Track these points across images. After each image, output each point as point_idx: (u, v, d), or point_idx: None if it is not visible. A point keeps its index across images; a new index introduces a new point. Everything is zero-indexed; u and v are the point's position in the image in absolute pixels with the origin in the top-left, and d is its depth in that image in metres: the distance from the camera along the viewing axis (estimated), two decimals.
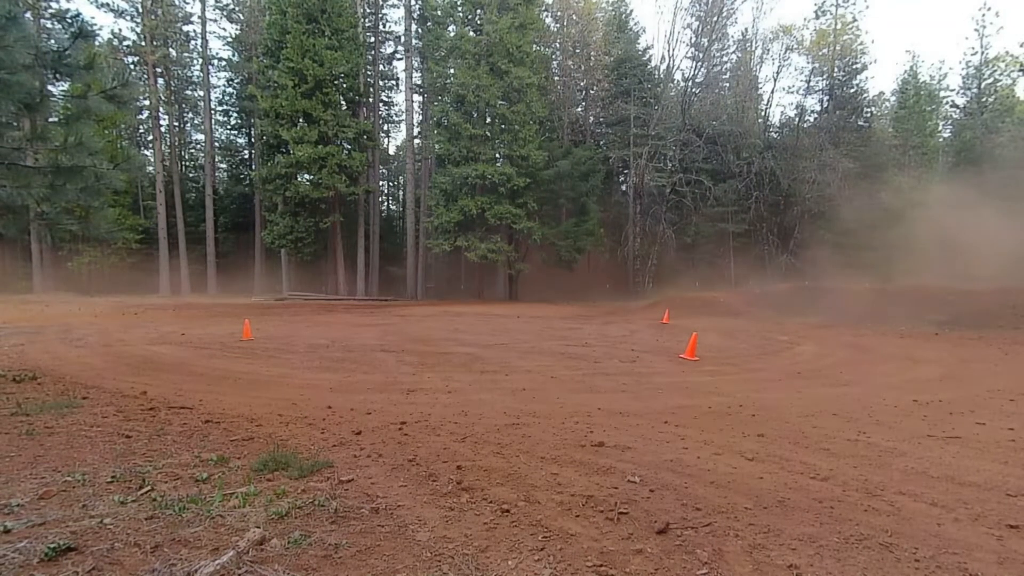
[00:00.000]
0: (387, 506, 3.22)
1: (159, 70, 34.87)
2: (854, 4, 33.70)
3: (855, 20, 33.99)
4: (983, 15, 35.20)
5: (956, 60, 67.51)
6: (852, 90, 34.40)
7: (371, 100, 36.91)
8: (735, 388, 7.42)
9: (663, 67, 36.44)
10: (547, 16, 36.70)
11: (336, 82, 30.27)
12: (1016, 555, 2.74)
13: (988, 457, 4.45)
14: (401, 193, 44.91)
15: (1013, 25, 41.53)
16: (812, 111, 35.91)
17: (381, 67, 39.42)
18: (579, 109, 39.33)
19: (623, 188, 38.55)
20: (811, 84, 35.27)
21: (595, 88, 38.18)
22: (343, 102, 31.18)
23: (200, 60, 36.70)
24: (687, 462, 4.19)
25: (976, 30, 35.87)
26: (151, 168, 34.76)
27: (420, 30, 34.98)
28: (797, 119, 35.81)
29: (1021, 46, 34.23)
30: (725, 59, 39.36)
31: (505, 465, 4.03)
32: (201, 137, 40.09)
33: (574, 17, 37.97)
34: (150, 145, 36.84)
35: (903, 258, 24.53)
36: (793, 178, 32.04)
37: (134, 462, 3.95)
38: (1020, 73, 33.69)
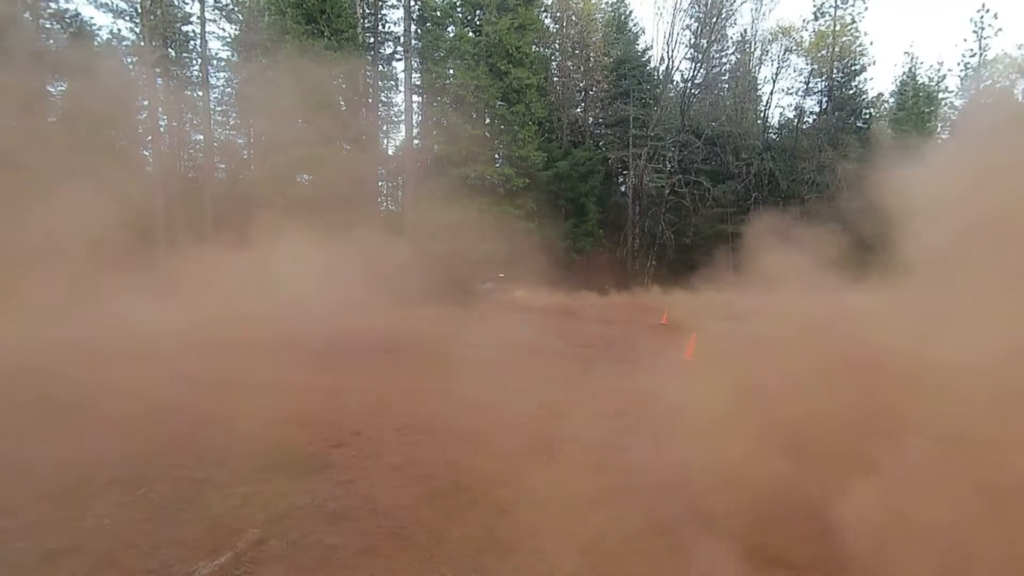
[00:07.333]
0: (386, 506, 3.22)
1: (158, 70, 34.84)
2: (853, 6, 33.71)
3: (854, 22, 34.00)
4: (981, 16, 35.21)
5: (955, 62, 67.49)
6: (851, 91, 34.43)
7: (370, 101, 36.89)
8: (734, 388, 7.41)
9: (662, 68, 36.42)
10: (546, 17, 36.66)
11: (335, 83, 30.25)
12: None
13: None
14: (400, 193, 44.80)
15: (1012, 27, 41.49)
16: (811, 112, 35.90)
17: (380, 68, 39.37)
18: (578, 110, 39.30)
19: (622, 189, 38.53)
20: (810, 85, 35.30)
21: (594, 89, 38.16)
22: (342, 103, 31.17)
23: (199, 60, 36.67)
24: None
25: (975, 32, 35.90)
26: (150, 168, 34.72)
27: (419, 31, 34.98)
28: (796, 120, 35.82)
29: (1020, 48, 34.19)
30: (724, 60, 39.35)
31: (504, 466, 4.03)
32: (200, 137, 40.02)
33: (573, 18, 37.97)
34: (149, 145, 36.78)
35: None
36: (792, 179, 32.08)
37: (133, 462, 3.94)
38: (1019, 75, 33.74)
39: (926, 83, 39.00)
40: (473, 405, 6.23)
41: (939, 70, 39.42)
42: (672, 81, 36.36)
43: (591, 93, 38.46)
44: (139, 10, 33.40)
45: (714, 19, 34.27)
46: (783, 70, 35.82)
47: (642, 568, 2.57)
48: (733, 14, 36.32)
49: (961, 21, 67.73)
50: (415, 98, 36.84)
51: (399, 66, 40.44)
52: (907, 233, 4.77)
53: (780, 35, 35.10)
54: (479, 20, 30.03)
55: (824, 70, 34.40)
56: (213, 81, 37.95)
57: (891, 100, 40.54)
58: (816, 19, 34.39)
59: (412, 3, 34.93)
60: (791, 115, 36.75)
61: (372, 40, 37.62)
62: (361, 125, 30.82)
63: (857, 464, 3.19)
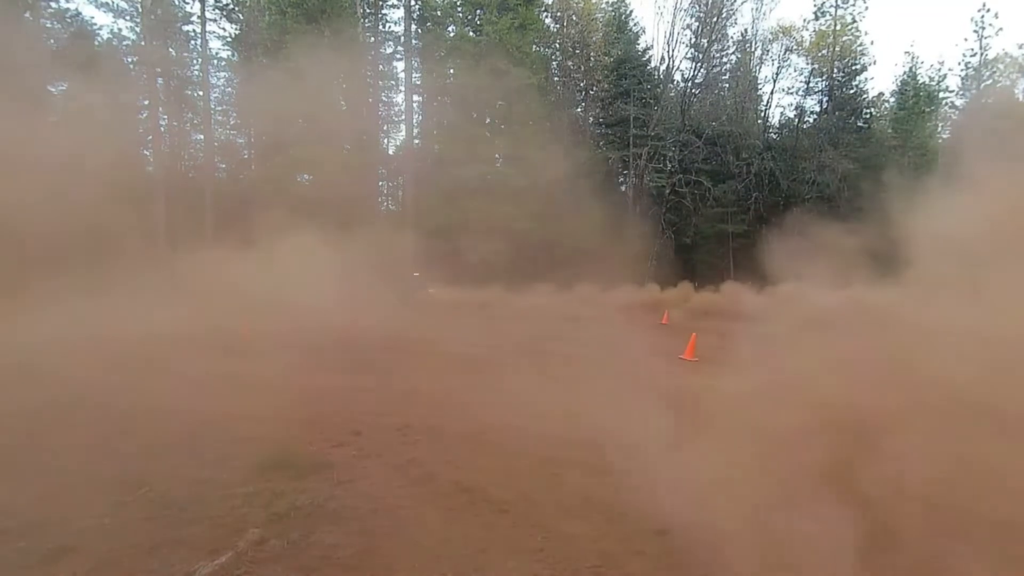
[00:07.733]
0: (386, 506, 3.21)
1: (158, 70, 34.83)
2: (853, 5, 33.67)
3: (855, 21, 33.95)
4: (982, 16, 35.14)
5: (955, 61, 67.37)
6: (851, 91, 34.39)
7: (371, 100, 36.86)
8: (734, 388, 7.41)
9: (663, 68, 36.42)
10: (547, 17, 36.67)
11: (335, 83, 30.25)
12: None
13: None
14: (401, 193, 44.80)
15: (1012, 26, 41.53)
16: (811, 112, 35.88)
17: (381, 67, 39.34)
18: (579, 110, 39.28)
19: (622, 189, 38.53)
20: (810, 85, 35.27)
21: (595, 89, 38.13)
22: (342, 102, 31.17)
23: (200, 60, 36.65)
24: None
25: (975, 31, 35.83)
26: (150, 168, 34.74)
27: (419, 30, 34.98)
28: (796, 120, 35.80)
29: (1020, 47, 34.17)
30: (724, 60, 39.30)
31: (504, 466, 4.02)
32: (200, 137, 40.02)
33: (574, 18, 37.94)
34: (149, 145, 36.77)
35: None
36: (793, 179, 32.08)
37: (133, 462, 3.94)
38: (1020, 75, 33.70)
39: (927, 83, 38.90)
40: (472, 405, 6.23)
41: (940, 70, 39.23)
42: (672, 81, 36.34)
43: (591, 93, 38.42)
44: (139, 10, 33.37)
45: (714, 19, 34.27)
46: (783, 70, 35.80)
47: (642, 568, 2.57)
48: (733, 14, 36.27)
49: (961, 21, 67.63)
50: (415, 98, 36.78)
51: (399, 66, 40.28)
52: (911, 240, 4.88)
53: (780, 35, 35.07)
54: (479, 20, 30.03)
55: (824, 70, 34.37)
56: (213, 81, 37.82)
57: (891, 100, 40.46)
58: (816, 19, 34.35)
59: (412, 3, 34.89)
60: (791, 115, 36.73)
61: (372, 40, 37.56)
62: (361, 125, 30.81)
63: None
